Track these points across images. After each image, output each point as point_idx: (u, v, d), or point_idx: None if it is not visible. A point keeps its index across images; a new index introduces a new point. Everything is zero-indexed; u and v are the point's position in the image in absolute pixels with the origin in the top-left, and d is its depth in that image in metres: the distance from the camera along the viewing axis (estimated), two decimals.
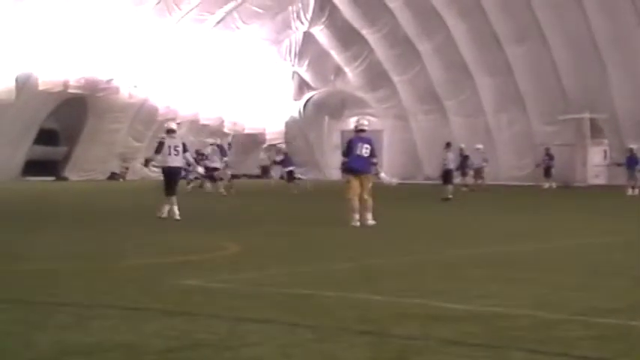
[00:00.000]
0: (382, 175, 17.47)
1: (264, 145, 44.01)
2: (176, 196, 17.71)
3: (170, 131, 18.29)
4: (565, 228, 16.75)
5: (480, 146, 37.24)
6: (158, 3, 41.66)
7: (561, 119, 41.27)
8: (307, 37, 50.18)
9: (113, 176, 45.16)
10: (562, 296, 7.69)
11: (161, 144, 18.02)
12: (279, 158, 34.79)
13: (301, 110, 53.02)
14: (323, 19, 48.62)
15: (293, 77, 52.55)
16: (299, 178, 34.68)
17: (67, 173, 44.04)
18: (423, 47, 45.44)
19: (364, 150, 16.15)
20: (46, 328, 6.13)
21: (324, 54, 50.54)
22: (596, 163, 42.02)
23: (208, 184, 31.44)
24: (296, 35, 50.23)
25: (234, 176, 41.05)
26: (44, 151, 43.31)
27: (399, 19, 45.26)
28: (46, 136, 42.95)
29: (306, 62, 51.50)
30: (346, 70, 50.22)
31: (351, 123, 48.73)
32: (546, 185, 37.56)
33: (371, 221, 15.87)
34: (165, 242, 13.14)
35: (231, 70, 47.58)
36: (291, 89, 52.80)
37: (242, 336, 5.91)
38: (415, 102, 47.82)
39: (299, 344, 5.63)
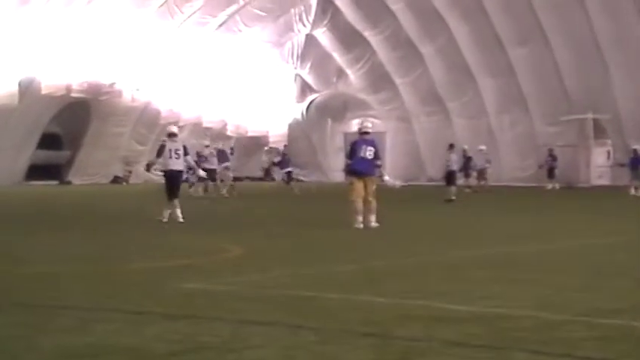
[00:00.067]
0: (386, 177, 17.44)
1: (266, 148, 44.08)
2: (178, 199, 17.72)
3: (171, 135, 18.30)
4: (568, 229, 16.74)
5: (483, 147, 37.20)
6: (160, 6, 41.69)
7: (564, 120, 41.22)
8: (309, 39, 50.18)
9: (116, 180, 45.18)
10: (565, 297, 7.69)
11: (162, 147, 18.04)
12: (277, 159, 34.78)
13: (304, 113, 53.01)
14: (325, 22, 48.62)
15: (295, 80, 52.55)
16: (298, 180, 34.66)
17: (70, 177, 44.07)
18: (426, 49, 45.42)
19: (368, 152, 16.15)
20: (49, 332, 6.14)
21: (326, 56, 50.54)
22: (599, 164, 41.97)
23: (209, 185, 31.34)
24: (298, 38, 50.23)
25: (236, 179, 41.08)
26: (47, 156, 43.33)
27: (401, 21, 45.23)
28: (49, 141, 42.97)
29: (309, 65, 51.50)
30: (348, 72, 50.20)
31: (354, 125, 48.79)
32: (549, 186, 37.52)
33: (374, 223, 15.87)
34: (168, 245, 13.15)
35: (233, 72, 47.59)
36: (293, 92, 52.81)
37: (245, 338, 5.92)
38: (418, 104, 47.80)
39: (302, 346, 5.63)
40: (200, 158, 29.78)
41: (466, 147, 35.52)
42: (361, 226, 15.76)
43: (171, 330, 6.19)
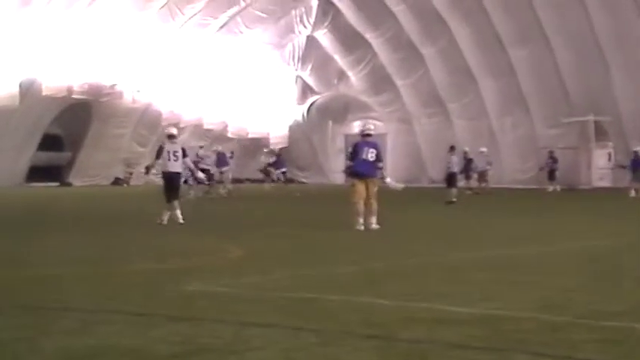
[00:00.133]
0: (388, 180, 17.43)
1: (265, 150, 44.12)
2: (177, 200, 17.70)
3: (170, 136, 18.30)
4: (569, 231, 16.73)
5: (484, 149, 37.20)
6: (162, 8, 41.72)
7: (565, 122, 41.25)
8: (310, 41, 50.22)
9: (117, 181, 45.21)
10: (566, 299, 7.69)
11: (161, 149, 18.04)
12: (271, 160, 34.79)
13: (305, 114, 53.05)
14: (326, 23, 48.66)
15: (296, 81, 52.59)
16: (289, 180, 34.71)
17: (71, 179, 44.09)
18: (427, 51, 45.46)
19: (370, 154, 16.17)
20: (51, 334, 6.14)
21: (327, 58, 50.58)
22: (600, 166, 41.99)
23: (199, 189, 31.30)
24: (299, 39, 50.27)
25: (237, 180, 41.13)
26: (48, 157, 43.36)
27: (402, 22, 45.27)
28: (50, 142, 42.99)
29: (310, 66, 51.54)
30: (350, 74, 50.25)
31: (355, 127, 48.84)
32: (550, 188, 37.52)
33: (375, 225, 15.88)
34: (169, 247, 13.15)
35: (234, 74, 47.62)
36: (294, 93, 52.83)
37: (246, 340, 5.92)
38: (419, 105, 47.83)
39: (303, 348, 5.63)
40: (197, 159, 29.79)
41: (467, 149, 35.52)
42: (362, 227, 15.77)
43: (173, 332, 6.19)
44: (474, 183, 35.56)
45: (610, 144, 41.48)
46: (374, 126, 18.77)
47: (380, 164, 16.57)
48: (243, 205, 27.62)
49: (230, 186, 33.19)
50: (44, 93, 39.46)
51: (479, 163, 36.02)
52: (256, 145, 51.60)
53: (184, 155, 18.06)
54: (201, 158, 30.96)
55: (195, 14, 43.05)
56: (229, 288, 8.45)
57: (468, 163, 34.65)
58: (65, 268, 10.30)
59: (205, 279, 9.07)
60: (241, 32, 46.01)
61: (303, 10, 48.07)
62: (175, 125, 30.18)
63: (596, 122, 40.84)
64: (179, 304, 7.51)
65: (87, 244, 13.49)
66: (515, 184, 40.86)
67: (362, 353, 5.57)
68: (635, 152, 33.05)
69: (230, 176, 34.48)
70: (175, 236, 14.97)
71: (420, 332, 6.15)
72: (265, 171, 34.64)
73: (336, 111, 51.99)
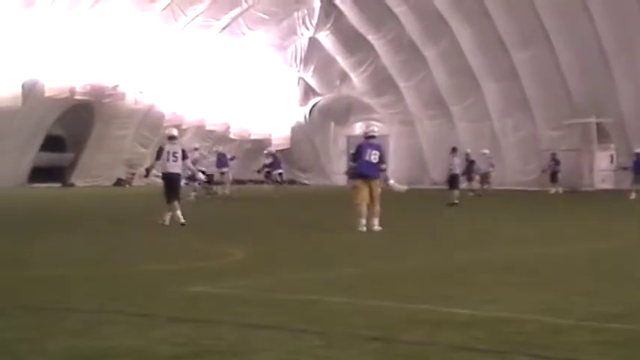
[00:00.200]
0: (391, 182, 17.43)
1: (265, 151, 44.16)
2: (178, 201, 17.68)
3: (171, 137, 18.30)
4: (571, 232, 16.73)
5: (486, 151, 37.17)
6: (164, 9, 41.74)
7: (567, 124, 41.24)
8: (313, 42, 50.22)
9: (119, 182, 45.22)
10: (569, 301, 7.69)
11: (161, 150, 18.06)
12: (268, 161, 34.77)
13: (307, 116, 53.04)
14: (328, 25, 48.67)
15: (299, 83, 52.58)
16: (282, 182, 34.68)
17: (73, 179, 44.08)
18: (429, 53, 45.44)
19: (373, 156, 16.19)
20: (53, 334, 6.15)
21: (329, 60, 50.59)
22: (603, 168, 41.96)
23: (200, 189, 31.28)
24: (301, 41, 50.27)
25: (239, 182, 41.14)
26: (51, 158, 43.36)
27: (404, 24, 45.27)
28: (52, 143, 42.99)
29: (312, 68, 51.54)
30: (352, 75, 50.24)
31: (357, 128, 48.92)
32: (553, 190, 37.50)
33: (377, 227, 15.88)
34: (171, 248, 13.17)
35: (236, 76, 47.61)
36: (296, 95, 52.83)
37: (249, 342, 5.93)
38: (421, 107, 47.81)
39: (306, 351, 5.63)
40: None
41: (469, 150, 35.52)
42: (365, 229, 15.78)
43: (176, 333, 6.20)
44: (476, 185, 35.54)
45: (612, 146, 41.45)
46: (377, 128, 18.79)
47: (383, 166, 16.60)
48: (244, 206, 27.62)
49: (228, 189, 33.17)
50: (47, 94, 39.48)
51: (481, 165, 36.01)
52: (258, 146, 51.62)
53: (184, 157, 18.06)
54: (197, 160, 30.90)
55: (197, 16, 43.05)
56: (232, 289, 8.46)
57: (470, 164, 34.64)
58: (68, 269, 10.31)
59: (208, 280, 9.08)
60: (244, 34, 46.01)
61: (305, 11, 48.08)
62: (178, 126, 30.25)
63: (598, 124, 40.82)
64: (182, 305, 7.52)
65: (89, 244, 13.50)
66: (517, 186, 40.81)
67: (365, 355, 5.57)
68: (637, 154, 33.02)
69: (231, 177, 34.46)
70: (177, 237, 14.98)
71: (423, 334, 6.16)
72: (265, 173, 34.60)
73: (338, 112, 51.98)
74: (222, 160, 33.67)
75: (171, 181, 17.81)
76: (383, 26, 46.26)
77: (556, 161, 38.57)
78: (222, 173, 33.40)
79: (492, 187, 36.12)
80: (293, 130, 52.82)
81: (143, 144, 45.49)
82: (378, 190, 16.14)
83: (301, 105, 52.86)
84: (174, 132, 18.86)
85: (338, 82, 51.47)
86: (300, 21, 48.37)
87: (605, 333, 6.24)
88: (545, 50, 41.08)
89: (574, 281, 9.15)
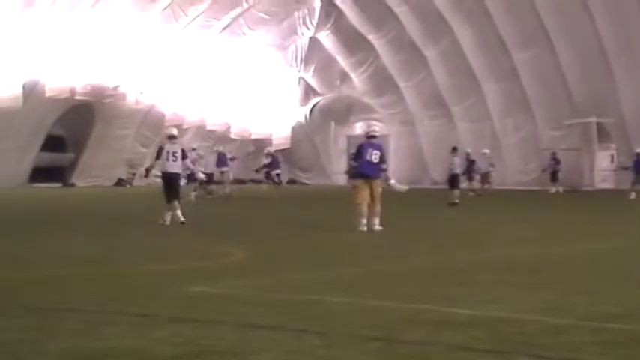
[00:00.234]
0: (392, 182, 17.43)
1: (265, 151, 44.15)
2: (178, 201, 17.67)
3: (171, 137, 18.31)
4: (571, 232, 16.73)
5: (487, 151, 37.18)
6: (164, 9, 41.75)
7: (567, 124, 41.24)
8: (313, 42, 50.24)
9: (120, 182, 45.23)
10: (569, 301, 7.69)
11: (160, 150, 18.08)
12: (267, 162, 34.76)
13: (307, 116, 53.06)
14: (329, 25, 48.68)
15: (299, 83, 52.60)
16: (280, 182, 34.71)
17: (74, 180, 44.08)
18: (429, 53, 45.46)
19: (374, 156, 16.20)
20: (54, 334, 6.15)
21: (330, 59, 50.60)
22: (603, 168, 41.98)
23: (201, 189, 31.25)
24: (302, 41, 50.29)
25: (240, 181, 41.15)
26: (51, 158, 43.37)
27: (404, 24, 45.28)
28: (53, 143, 43.01)
29: (312, 68, 51.56)
30: (352, 75, 50.25)
31: (357, 128, 48.96)
32: (553, 190, 37.52)
33: (378, 227, 15.89)
34: (171, 248, 13.18)
35: (237, 76, 47.63)
36: (297, 95, 52.84)
37: (249, 342, 5.93)
38: (421, 107, 47.82)
39: (307, 351, 5.64)
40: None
41: (469, 150, 35.53)
42: (365, 228, 15.79)
43: (176, 333, 6.20)
44: (476, 184, 35.54)
45: (612, 146, 41.47)
46: (378, 128, 18.81)
47: (384, 166, 16.62)
48: (245, 206, 27.62)
49: (228, 189, 33.16)
50: (47, 94, 39.50)
51: (481, 165, 36.00)
52: (259, 146, 51.64)
53: (184, 156, 18.06)
54: (195, 161, 30.84)
55: (198, 16, 43.07)
56: (232, 289, 8.46)
57: (470, 164, 34.64)
58: (68, 269, 10.31)
59: (208, 280, 9.09)
60: (244, 34, 46.03)
61: (305, 11, 48.09)
62: (178, 126, 30.22)
63: (598, 124, 40.83)
64: (182, 305, 7.53)
65: (90, 244, 13.51)
66: (517, 186, 40.84)
67: (365, 355, 5.58)
68: (638, 154, 33.01)
69: (231, 177, 34.47)
70: (177, 237, 14.99)
71: (424, 334, 6.16)
72: (265, 173, 34.60)
73: (338, 112, 51.99)
74: (222, 160, 33.67)
75: (170, 180, 17.81)
76: (383, 26, 46.26)
77: (556, 161, 38.60)
78: (222, 172, 33.43)
79: (493, 187, 36.11)
80: (293, 129, 52.83)
81: (144, 144, 45.50)
82: (378, 190, 16.15)
83: (302, 105, 52.88)
84: (174, 132, 18.86)
85: (338, 82, 51.47)
86: (301, 21, 48.38)
87: (605, 333, 6.25)
88: (546, 50, 41.09)
89: (574, 281, 9.15)
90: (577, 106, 40.92)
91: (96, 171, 44.87)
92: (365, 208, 15.96)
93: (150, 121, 45.12)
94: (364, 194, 15.98)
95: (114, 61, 41.68)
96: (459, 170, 28.25)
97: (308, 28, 48.90)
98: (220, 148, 36.55)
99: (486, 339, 5.98)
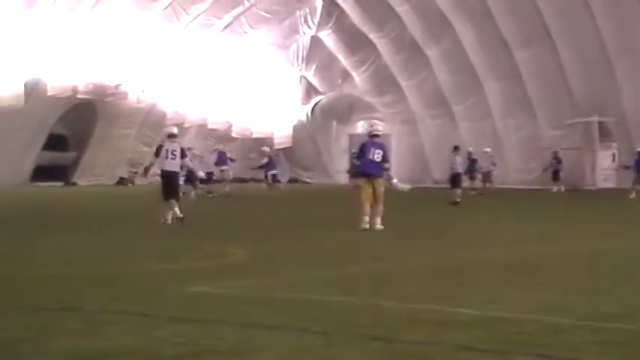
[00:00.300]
0: (395, 181, 17.41)
1: (262, 150, 44.20)
2: (175, 199, 17.61)
3: (171, 135, 18.28)
4: (573, 232, 16.73)
5: (488, 150, 37.18)
6: (166, 8, 41.73)
7: (569, 123, 41.22)
8: (315, 41, 50.20)
9: (122, 181, 45.23)
10: (570, 301, 7.69)
11: (160, 148, 18.07)
12: (263, 161, 34.75)
13: (309, 114, 53.03)
14: (330, 24, 48.64)
15: (300, 81, 52.57)
16: (279, 181, 34.70)
17: (75, 178, 44.08)
18: (431, 52, 45.41)
19: (376, 155, 16.20)
20: (55, 334, 6.16)
21: (331, 58, 50.58)
22: (605, 167, 41.94)
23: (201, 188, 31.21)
24: (303, 40, 50.25)
25: (242, 180, 41.15)
26: (53, 157, 43.36)
27: (406, 23, 45.25)
28: (55, 142, 42.99)
29: (314, 67, 51.52)
30: (354, 74, 50.21)
31: (359, 127, 48.92)
32: (554, 189, 37.51)
33: (379, 226, 15.89)
34: (172, 247, 13.17)
35: (238, 74, 47.61)
36: (298, 93, 52.81)
37: (250, 342, 5.93)
38: (423, 106, 47.78)
39: (308, 350, 5.64)
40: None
41: (471, 149, 35.53)
42: (367, 226, 15.80)
43: (176, 333, 6.20)
44: (478, 183, 35.53)
45: (614, 145, 41.42)
46: (381, 127, 18.82)
47: (386, 165, 16.60)
48: (245, 205, 27.62)
49: (228, 187, 33.18)
50: (49, 93, 39.49)
51: (483, 164, 35.99)
52: (261, 145, 51.62)
53: (183, 155, 18.03)
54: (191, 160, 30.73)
55: (199, 14, 43.04)
56: (233, 289, 8.46)
57: (472, 163, 34.64)
58: (69, 269, 10.31)
59: (209, 280, 9.09)
60: (245, 33, 46.00)
61: (307, 10, 48.06)
62: (180, 125, 30.20)
63: (600, 123, 40.79)
64: (182, 305, 7.53)
65: (91, 244, 13.51)
66: (519, 185, 40.82)
67: (366, 355, 5.58)
68: (639, 153, 32.98)
69: (231, 175, 34.48)
70: (178, 237, 15.00)
71: (424, 334, 6.16)
72: (264, 172, 34.60)
73: (340, 111, 51.96)
74: (222, 158, 33.66)
75: (169, 179, 17.78)
76: (385, 25, 46.22)
77: (558, 159, 38.59)
78: (222, 171, 33.43)
79: (494, 186, 36.11)
80: (295, 128, 52.81)
81: (145, 143, 45.44)
82: (381, 189, 16.16)
83: (303, 104, 52.86)
84: (175, 130, 18.84)
85: (340, 81, 51.44)
86: (302, 20, 48.35)
87: (605, 333, 6.25)
88: (547, 49, 41.05)
89: (574, 281, 9.15)
90: (578, 105, 40.89)
91: (98, 170, 44.86)
92: (367, 207, 15.97)
93: (151, 120, 45.10)
94: (366, 193, 15.99)
95: (115, 60, 41.66)
96: (460, 169, 28.24)
97: (309, 27, 48.88)
98: (220, 147, 36.52)
99: (487, 339, 5.99)
